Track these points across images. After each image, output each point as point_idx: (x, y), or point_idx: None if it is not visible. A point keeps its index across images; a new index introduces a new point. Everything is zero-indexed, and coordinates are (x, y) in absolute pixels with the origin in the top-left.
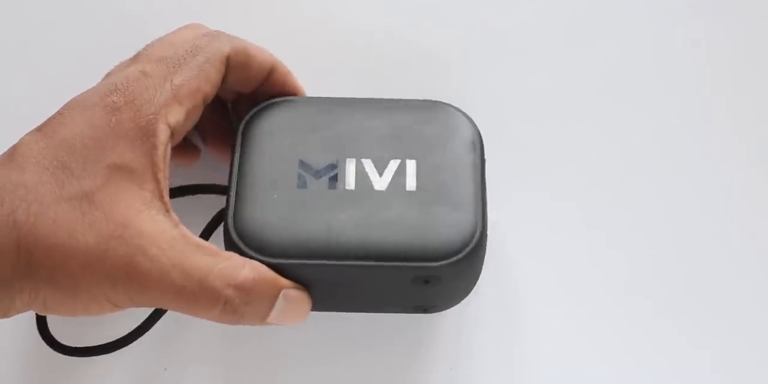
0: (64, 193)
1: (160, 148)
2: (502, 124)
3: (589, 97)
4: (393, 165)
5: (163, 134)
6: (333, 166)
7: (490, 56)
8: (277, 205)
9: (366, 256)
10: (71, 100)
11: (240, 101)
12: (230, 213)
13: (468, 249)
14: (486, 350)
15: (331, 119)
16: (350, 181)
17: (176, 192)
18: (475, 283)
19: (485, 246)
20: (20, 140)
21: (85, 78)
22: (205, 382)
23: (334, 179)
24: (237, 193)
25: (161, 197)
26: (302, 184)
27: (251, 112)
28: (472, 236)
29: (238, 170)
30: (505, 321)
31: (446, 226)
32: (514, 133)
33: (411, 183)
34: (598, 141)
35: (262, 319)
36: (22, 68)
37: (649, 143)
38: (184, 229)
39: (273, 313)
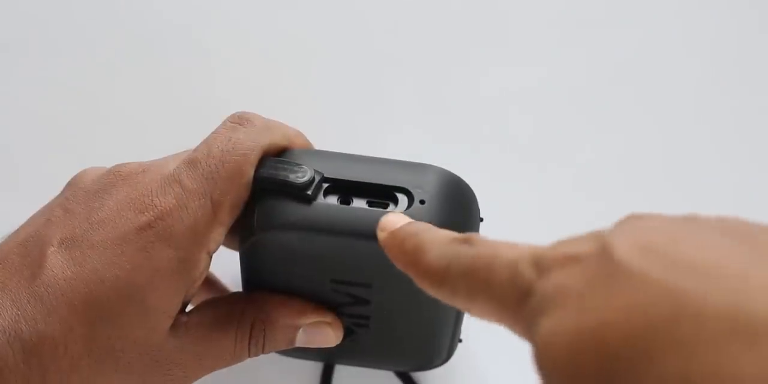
0: (92, 344)
1: (198, 281)
2: (500, 122)
3: (586, 95)
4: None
5: (203, 264)
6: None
7: (489, 55)
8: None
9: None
10: (101, 214)
11: None
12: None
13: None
14: (486, 346)
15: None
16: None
17: None
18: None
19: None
20: (47, 260)
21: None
22: None
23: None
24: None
25: (178, 313)
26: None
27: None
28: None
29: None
30: None
31: None
32: (511, 131)
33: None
34: (596, 140)
35: (288, 345)
36: (21, 67)
37: (650, 143)
38: (187, 326)
39: (297, 342)
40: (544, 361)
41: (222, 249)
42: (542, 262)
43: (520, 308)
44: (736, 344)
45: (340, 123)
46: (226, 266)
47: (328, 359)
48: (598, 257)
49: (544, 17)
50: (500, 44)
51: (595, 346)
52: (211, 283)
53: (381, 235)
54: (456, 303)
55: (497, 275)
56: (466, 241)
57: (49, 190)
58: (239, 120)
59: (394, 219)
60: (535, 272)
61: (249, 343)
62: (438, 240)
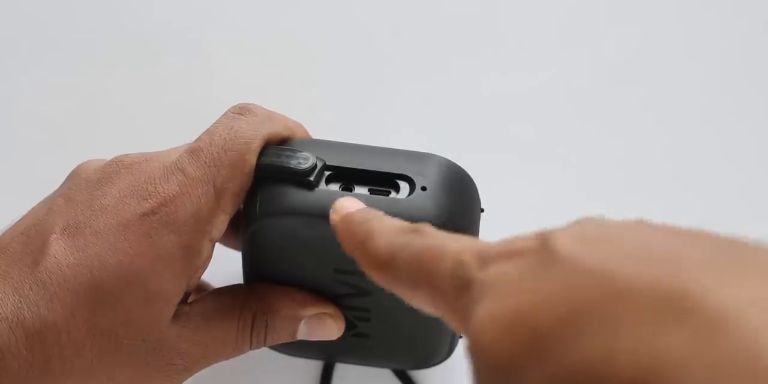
0: (95, 331)
1: (201, 269)
2: (502, 121)
3: (589, 96)
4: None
5: (206, 252)
6: None
7: (490, 55)
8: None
9: None
10: (104, 201)
11: None
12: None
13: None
14: None
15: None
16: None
17: None
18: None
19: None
20: (50, 247)
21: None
22: None
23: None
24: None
25: (180, 303)
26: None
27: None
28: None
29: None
30: None
31: None
32: (512, 131)
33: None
34: (598, 140)
35: (290, 337)
36: (21, 67)
37: (651, 144)
38: (190, 314)
39: (299, 334)
40: (476, 346)
41: (222, 250)
42: (485, 256)
43: (459, 299)
44: (661, 321)
45: (341, 123)
46: (226, 266)
47: (328, 357)
48: (539, 250)
49: (548, 18)
50: (504, 45)
51: (527, 327)
52: (204, 290)
53: (333, 217)
54: (397, 290)
55: (441, 266)
56: (415, 231)
57: (49, 189)
58: (240, 110)
59: (348, 203)
60: (477, 264)
61: (251, 334)
62: (388, 228)
